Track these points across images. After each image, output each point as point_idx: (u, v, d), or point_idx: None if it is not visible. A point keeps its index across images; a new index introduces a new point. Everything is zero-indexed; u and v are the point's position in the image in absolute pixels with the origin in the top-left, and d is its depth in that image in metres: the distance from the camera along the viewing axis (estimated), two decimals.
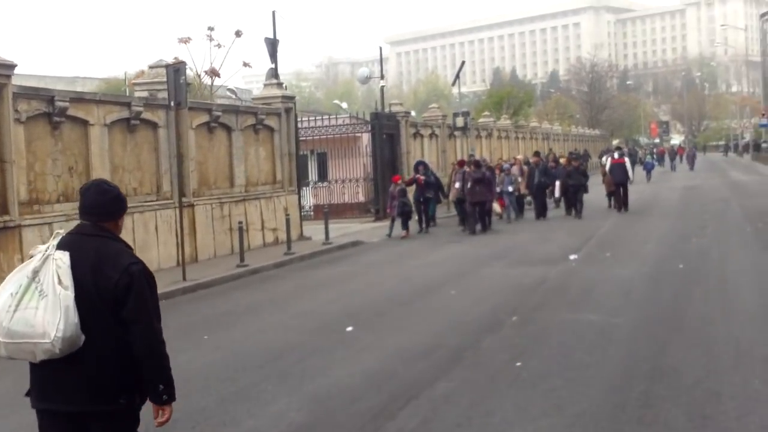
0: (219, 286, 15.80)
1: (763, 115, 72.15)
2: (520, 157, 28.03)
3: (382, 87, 31.55)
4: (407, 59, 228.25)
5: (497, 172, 25.12)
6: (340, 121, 30.54)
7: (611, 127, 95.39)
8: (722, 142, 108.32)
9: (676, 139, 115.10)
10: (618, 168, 28.51)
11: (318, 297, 13.95)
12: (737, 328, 9.82)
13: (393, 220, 22.93)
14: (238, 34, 21.45)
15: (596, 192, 30.47)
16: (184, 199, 18.37)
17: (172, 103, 15.49)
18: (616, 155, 31.29)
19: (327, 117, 30.49)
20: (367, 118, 30.56)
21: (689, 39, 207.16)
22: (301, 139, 30.43)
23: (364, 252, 20.50)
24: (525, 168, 26.91)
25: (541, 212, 25.74)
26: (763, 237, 18.53)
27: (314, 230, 23.15)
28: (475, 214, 22.41)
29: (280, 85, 22.92)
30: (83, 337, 3.97)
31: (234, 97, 37.22)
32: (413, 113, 47.66)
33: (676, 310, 11.15)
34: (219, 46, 21.75)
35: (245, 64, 21.83)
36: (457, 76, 35.26)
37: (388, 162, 30.06)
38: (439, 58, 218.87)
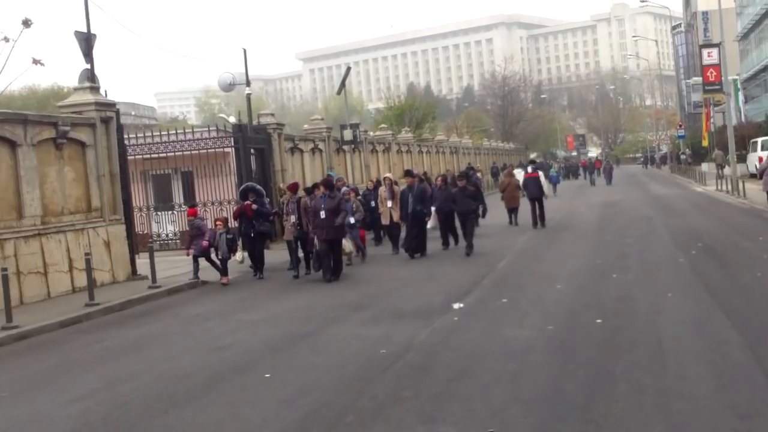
0: None
1: (680, 126, 69.88)
2: (389, 175, 23.10)
3: (248, 95, 26.92)
4: (321, 75, 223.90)
5: (352, 195, 20.10)
6: (199, 135, 25.72)
7: (526, 140, 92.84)
8: (639, 155, 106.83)
9: (594, 152, 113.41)
10: (532, 182, 26.08)
11: (64, 389, 9.21)
12: None
13: (196, 260, 17.68)
14: (26, 23, 16.63)
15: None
16: None
17: None
18: (529, 169, 28.08)
19: (182, 131, 25.63)
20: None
21: (601, 54, 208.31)
22: (163, 154, 25.74)
23: (196, 299, 15.86)
24: (397, 189, 21.14)
25: (418, 248, 19.56)
26: (701, 271, 14.48)
27: (165, 265, 18.56)
28: (328, 256, 16.47)
29: (95, 89, 18.03)
30: None
31: None
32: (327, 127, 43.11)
33: (592, 421, 6.82)
34: (6, 39, 16.88)
35: (36, 62, 17.04)
36: (343, 84, 30.99)
37: (259, 182, 25.41)
38: (353, 74, 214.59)
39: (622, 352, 8.99)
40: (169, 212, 27.21)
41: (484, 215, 21.48)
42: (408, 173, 20.75)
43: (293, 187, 18.77)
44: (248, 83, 26.01)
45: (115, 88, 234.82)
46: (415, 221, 19.61)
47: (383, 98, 64.22)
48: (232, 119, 44.88)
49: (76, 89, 18.26)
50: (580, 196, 43.89)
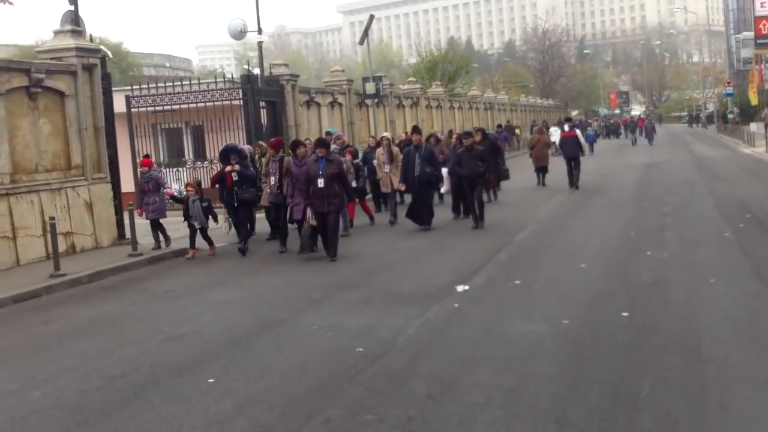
0: None
1: (728, 83, 66.80)
2: (387, 134, 20.88)
3: (260, 43, 25.14)
4: (360, 28, 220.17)
5: (348, 156, 18.03)
6: (206, 87, 23.97)
7: (567, 97, 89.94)
8: (684, 113, 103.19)
9: (637, 110, 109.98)
10: (569, 141, 24.59)
11: None
12: None
13: (159, 225, 15.86)
14: None
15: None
16: None
17: None
18: (566, 127, 26.24)
19: (188, 83, 23.90)
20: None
21: (648, 8, 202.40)
22: (170, 107, 24.12)
23: (176, 270, 14.23)
24: (396, 151, 18.65)
25: (425, 219, 16.81)
26: (750, 249, 12.49)
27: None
28: (325, 228, 13.78)
29: (77, 33, 16.20)
30: None
31: (110, 56, 30.37)
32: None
33: None
34: None
35: (3, 0, 15.32)
36: (365, 33, 29.03)
37: (271, 137, 23.67)
38: (393, 28, 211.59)
39: (649, 362, 7.17)
40: (176, 169, 25.61)
41: (507, 177, 19.63)
42: (416, 130, 18.44)
43: (276, 144, 16.09)
44: (260, 31, 24.24)
45: (153, 40, 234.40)
46: (423, 186, 16.85)
47: (418, 51, 61.84)
48: (257, 71, 43.06)
49: (56, 33, 16.43)
50: (619, 157, 41.60)
